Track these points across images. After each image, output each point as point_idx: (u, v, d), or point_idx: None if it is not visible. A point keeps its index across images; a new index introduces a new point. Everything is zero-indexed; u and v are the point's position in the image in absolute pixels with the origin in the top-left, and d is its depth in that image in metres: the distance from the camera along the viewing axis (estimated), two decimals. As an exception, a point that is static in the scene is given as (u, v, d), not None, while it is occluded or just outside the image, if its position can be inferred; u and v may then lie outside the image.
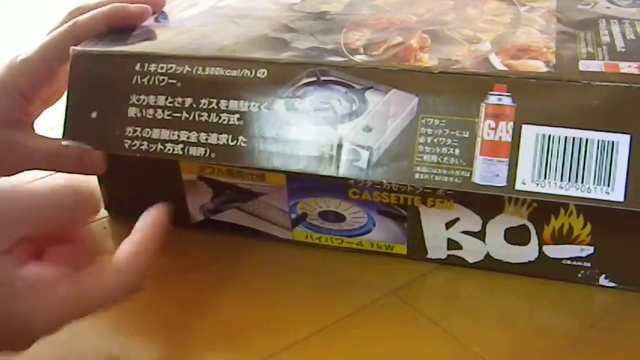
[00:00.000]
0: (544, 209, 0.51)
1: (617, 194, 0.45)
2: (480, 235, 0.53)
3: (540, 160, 0.46)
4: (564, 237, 0.52)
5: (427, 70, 0.50)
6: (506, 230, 0.52)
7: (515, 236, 0.52)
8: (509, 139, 0.47)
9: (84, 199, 0.46)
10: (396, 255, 0.56)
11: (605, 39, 0.53)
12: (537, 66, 0.49)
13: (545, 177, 0.46)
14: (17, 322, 0.42)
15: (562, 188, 0.46)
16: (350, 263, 0.57)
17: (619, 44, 0.52)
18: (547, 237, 0.52)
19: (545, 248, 0.52)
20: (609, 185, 0.46)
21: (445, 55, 0.52)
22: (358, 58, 0.52)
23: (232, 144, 0.51)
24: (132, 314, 0.53)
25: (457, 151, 0.48)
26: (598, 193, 0.46)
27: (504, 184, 0.47)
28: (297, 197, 0.55)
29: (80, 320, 0.44)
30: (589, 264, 0.52)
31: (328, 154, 0.49)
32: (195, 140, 0.51)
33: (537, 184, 0.46)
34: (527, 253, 0.53)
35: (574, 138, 0.46)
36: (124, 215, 0.62)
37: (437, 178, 0.48)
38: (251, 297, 0.54)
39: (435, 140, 0.48)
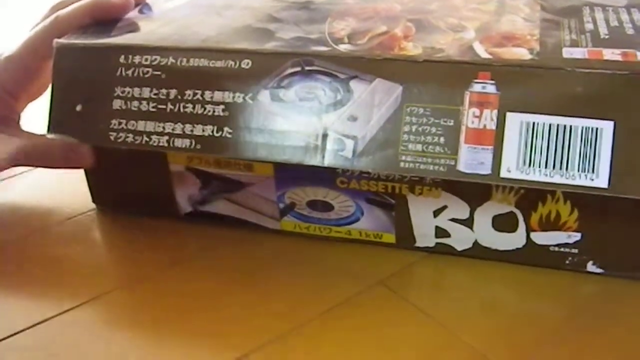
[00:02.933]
0: (531, 195, 0.51)
1: (601, 180, 0.46)
2: (468, 222, 0.53)
3: (524, 148, 0.46)
4: (551, 224, 0.52)
5: (412, 59, 0.50)
6: (494, 218, 0.53)
7: (503, 223, 0.53)
8: (494, 127, 0.47)
9: (73, 155, 0.49)
10: (384, 244, 0.56)
11: (589, 26, 0.53)
12: (521, 54, 0.49)
13: (529, 165, 0.46)
14: None
15: (546, 175, 0.46)
16: (339, 253, 0.57)
17: (603, 31, 0.52)
18: (534, 223, 0.52)
19: (532, 235, 0.52)
20: (593, 172, 0.46)
21: (429, 44, 0.52)
22: (342, 47, 0.52)
23: (217, 135, 0.51)
24: (120, 306, 0.53)
25: (442, 139, 0.48)
26: (582, 180, 0.46)
27: (489, 171, 0.47)
28: (284, 187, 0.55)
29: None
30: (576, 250, 0.52)
31: (313, 144, 0.49)
32: (181, 132, 0.51)
33: (522, 172, 0.46)
34: (514, 240, 0.53)
35: (557, 125, 0.46)
36: (111, 208, 0.63)
37: (422, 167, 0.48)
38: (239, 288, 0.54)
39: (420, 129, 0.48)
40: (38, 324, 0.51)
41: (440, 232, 0.54)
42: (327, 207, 0.56)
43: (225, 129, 0.51)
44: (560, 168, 0.46)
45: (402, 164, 0.48)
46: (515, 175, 0.47)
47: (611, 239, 0.51)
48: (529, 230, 0.52)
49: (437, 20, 0.55)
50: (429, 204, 0.53)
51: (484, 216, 0.53)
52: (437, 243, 0.55)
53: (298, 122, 0.50)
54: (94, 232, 0.61)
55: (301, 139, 0.50)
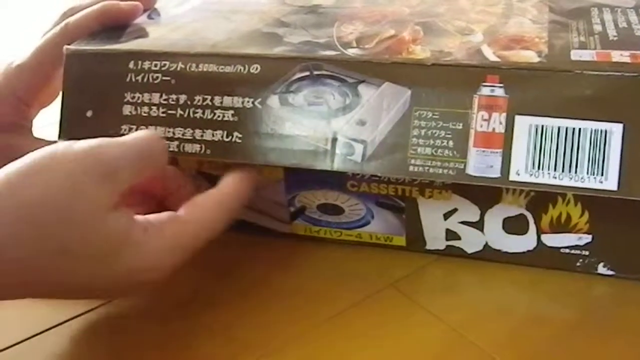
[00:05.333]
0: (541, 197, 0.51)
1: (610, 183, 0.45)
2: (479, 225, 0.53)
3: (533, 151, 0.46)
4: (562, 226, 0.52)
5: (420, 62, 0.50)
6: (504, 220, 0.53)
7: (514, 225, 0.53)
8: (502, 130, 0.47)
9: (158, 141, 0.49)
10: (395, 247, 0.56)
11: (597, 27, 0.53)
12: (529, 56, 0.49)
13: (539, 168, 0.46)
14: (134, 275, 0.46)
15: (555, 178, 0.46)
16: (349, 256, 0.57)
17: (611, 32, 0.52)
18: (545, 226, 0.52)
19: (543, 237, 0.52)
20: (602, 175, 0.46)
21: (437, 47, 0.52)
22: (351, 52, 0.52)
23: (227, 140, 0.51)
24: (129, 310, 0.53)
25: (450, 143, 0.48)
26: (592, 182, 0.46)
27: (498, 175, 0.47)
28: (295, 190, 0.56)
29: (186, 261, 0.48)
30: (587, 253, 0.52)
31: (323, 149, 0.50)
32: (191, 137, 0.52)
33: (531, 175, 0.46)
34: (525, 242, 0.53)
35: (567, 128, 0.46)
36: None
37: (431, 170, 0.48)
38: (250, 290, 0.54)
39: (429, 132, 0.48)
40: (50, 328, 0.51)
41: (451, 234, 0.54)
42: (338, 210, 0.56)
43: (235, 133, 0.51)
44: (570, 171, 0.46)
45: (411, 168, 0.48)
46: (525, 178, 0.47)
47: (622, 241, 0.51)
48: (539, 232, 0.52)
49: (445, 24, 0.55)
50: (439, 207, 0.53)
51: (494, 219, 0.53)
52: (447, 246, 0.55)
53: (307, 127, 0.50)
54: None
55: (310, 143, 0.50)
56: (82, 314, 0.52)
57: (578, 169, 0.46)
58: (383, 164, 0.49)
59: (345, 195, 0.55)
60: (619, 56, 0.48)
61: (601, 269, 0.53)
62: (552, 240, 0.52)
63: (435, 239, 0.55)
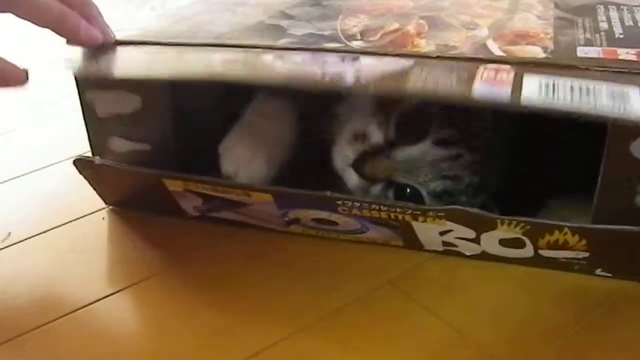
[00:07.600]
0: (538, 229, 0.50)
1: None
2: (475, 240, 0.53)
3: (546, 90, 0.44)
4: (559, 247, 0.51)
5: (424, 55, 0.49)
6: (500, 240, 0.52)
7: (510, 243, 0.52)
8: (511, 80, 0.45)
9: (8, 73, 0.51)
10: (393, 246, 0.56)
11: (604, 25, 0.52)
12: (535, 52, 0.49)
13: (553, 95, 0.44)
14: None
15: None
16: (348, 253, 0.56)
17: (617, 30, 0.51)
18: (542, 245, 0.51)
19: (540, 251, 0.52)
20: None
21: (442, 41, 0.51)
22: (355, 44, 0.52)
23: None
24: (124, 306, 0.53)
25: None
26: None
27: (508, 100, 0.44)
28: (286, 208, 0.55)
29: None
30: (585, 262, 0.52)
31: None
32: None
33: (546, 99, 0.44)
34: (523, 253, 0.53)
35: (580, 87, 0.44)
36: (121, 205, 0.62)
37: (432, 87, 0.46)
38: (249, 288, 0.54)
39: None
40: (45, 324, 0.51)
41: (448, 244, 0.54)
42: (332, 223, 0.55)
43: None
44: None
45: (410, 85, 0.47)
46: (538, 102, 0.44)
47: (619, 254, 0.51)
48: (536, 249, 0.52)
49: (450, 18, 0.55)
50: (434, 228, 0.52)
51: (490, 238, 0.52)
52: (445, 249, 0.55)
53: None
54: (104, 229, 0.61)
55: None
56: (74, 310, 0.52)
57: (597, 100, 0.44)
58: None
59: (338, 215, 0.54)
60: (625, 54, 0.48)
61: (599, 272, 0.52)
62: (549, 253, 0.52)
63: (432, 245, 0.55)
